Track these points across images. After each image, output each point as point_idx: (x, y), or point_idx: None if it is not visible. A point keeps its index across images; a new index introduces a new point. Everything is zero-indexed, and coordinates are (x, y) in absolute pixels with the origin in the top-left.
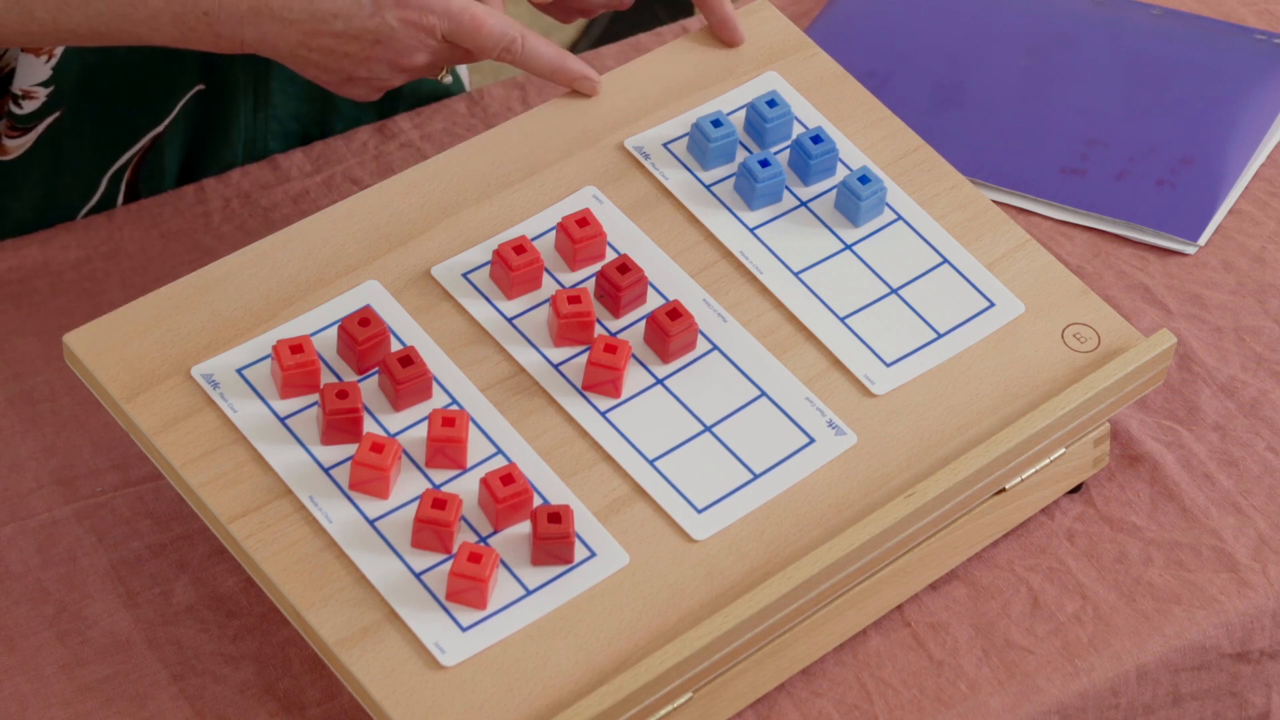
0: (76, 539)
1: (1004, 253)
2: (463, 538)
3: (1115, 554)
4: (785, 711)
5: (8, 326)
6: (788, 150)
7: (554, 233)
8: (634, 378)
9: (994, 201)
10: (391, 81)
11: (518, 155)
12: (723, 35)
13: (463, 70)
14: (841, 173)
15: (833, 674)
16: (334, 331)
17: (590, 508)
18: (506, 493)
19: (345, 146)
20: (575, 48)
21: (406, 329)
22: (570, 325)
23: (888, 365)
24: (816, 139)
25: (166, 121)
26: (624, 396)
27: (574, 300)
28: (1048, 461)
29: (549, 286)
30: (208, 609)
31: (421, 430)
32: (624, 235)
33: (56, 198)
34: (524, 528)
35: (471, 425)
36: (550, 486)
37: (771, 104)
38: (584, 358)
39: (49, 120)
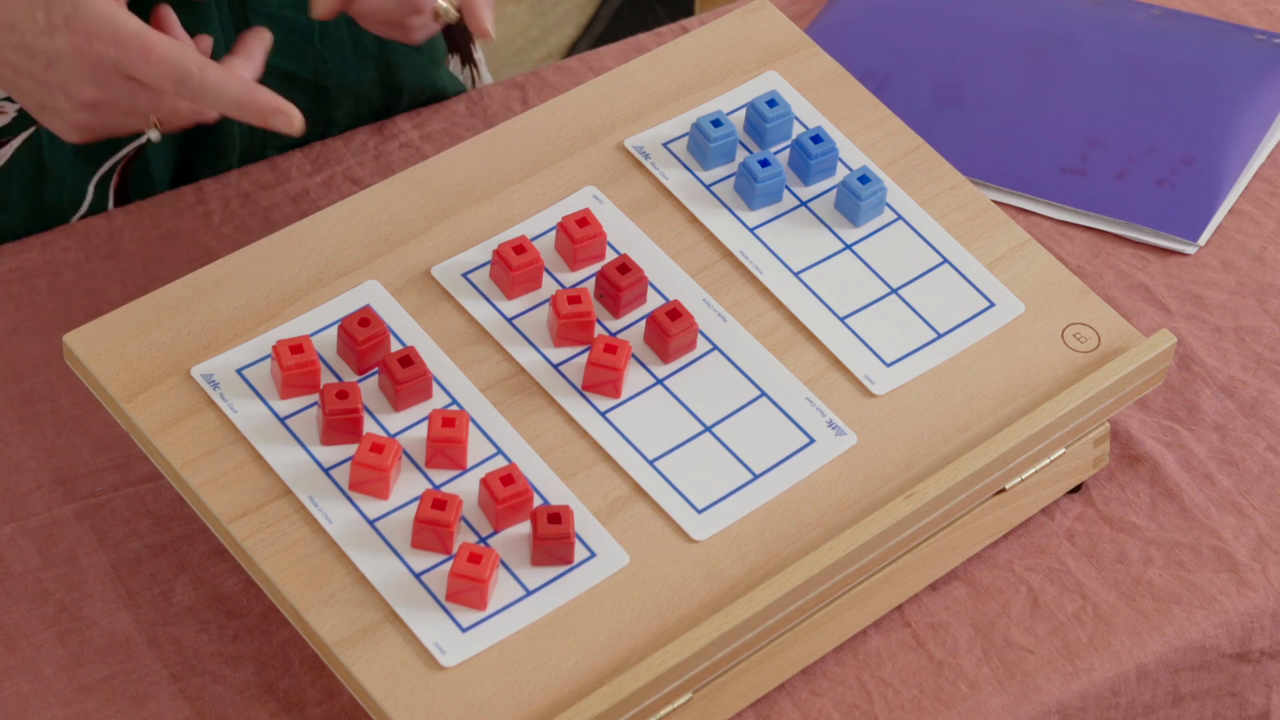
0: (76, 539)
1: (1004, 253)
2: (463, 538)
3: (1115, 554)
4: (785, 711)
5: (8, 326)
6: (788, 150)
7: (554, 233)
8: (634, 378)
9: (994, 201)
10: (78, 117)
11: (518, 155)
12: (470, 23)
13: (462, 70)
14: (841, 172)
15: (833, 674)
16: (334, 331)
17: (590, 508)
18: (506, 493)
19: (345, 147)
20: (575, 48)
21: (406, 329)
22: (570, 325)
23: (888, 365)
24: (816, 139)
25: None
26: (624, 396)
27: (574, 300)
28: (1048, 461)
29: (549, 286)
30: (208, 609)
31: (421, 430)
32: (624, 235)
33: (44, 208)
34: (524, 528)
35: (471, 425)
36: (550, 487)
37: (771, 104)
38: (584, 358)
39: (25, 135)
